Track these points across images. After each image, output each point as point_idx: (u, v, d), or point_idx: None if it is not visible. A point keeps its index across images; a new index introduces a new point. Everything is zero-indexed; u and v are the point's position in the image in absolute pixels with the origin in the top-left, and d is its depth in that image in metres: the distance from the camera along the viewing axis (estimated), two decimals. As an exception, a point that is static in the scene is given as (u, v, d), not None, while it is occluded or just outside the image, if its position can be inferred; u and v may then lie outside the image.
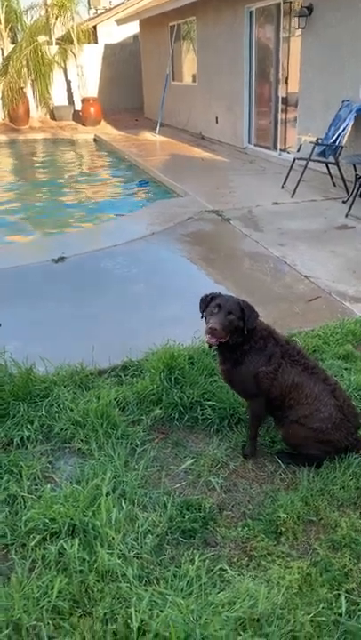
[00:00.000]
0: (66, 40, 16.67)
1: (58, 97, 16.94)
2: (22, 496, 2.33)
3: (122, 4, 18.32)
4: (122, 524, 2.17)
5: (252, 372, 2.51)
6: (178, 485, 2.46)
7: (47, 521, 2.16)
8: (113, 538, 2.09)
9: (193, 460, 2.59)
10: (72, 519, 2.16)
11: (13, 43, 16.45)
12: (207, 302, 2.51)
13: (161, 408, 2.93)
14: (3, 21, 16.10)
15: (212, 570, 2.02)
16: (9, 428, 2.78)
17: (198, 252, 5.57)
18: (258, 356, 2.51)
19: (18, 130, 15.67)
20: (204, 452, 2.66)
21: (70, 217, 7.99)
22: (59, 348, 3.53)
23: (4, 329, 3.67)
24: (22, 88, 15.91)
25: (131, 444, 2.69)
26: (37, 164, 12.54)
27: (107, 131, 14.77)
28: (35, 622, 1.81)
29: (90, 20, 19.26)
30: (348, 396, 2.63)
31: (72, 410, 2.87)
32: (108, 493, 2.27)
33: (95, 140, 14.14)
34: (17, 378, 3.09)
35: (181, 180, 8.70)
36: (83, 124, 15.97)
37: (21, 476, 2.45)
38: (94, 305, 4.42)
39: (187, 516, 2.25)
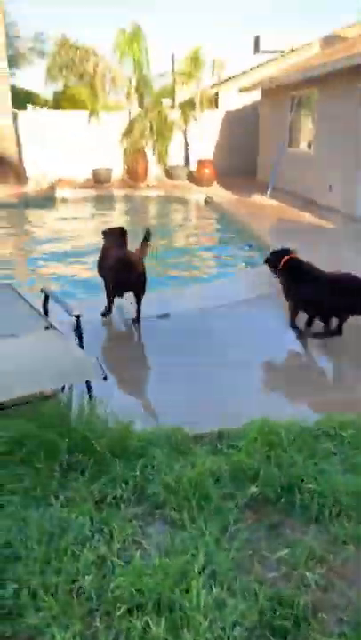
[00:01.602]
0: (188, 104, 17.65)
1: (174, 157, 17.80)
2: (111, 560, 2.30)
3: (244, 73, 19.15)
4: (210, 608, 2.07)
5: None
6: (270, 575, 2.32)
7: (134, 591, 2.11)
8: (200, 623, 2.00)
9: (288, 549, 2.45)
10: (159, 594, 2.09)
11: (140, 106, 17.66)
12: None
13: (257, 486, 2.82)
14: (134, 88, 17.39)
15: None
16: (104, 484, 2.79)
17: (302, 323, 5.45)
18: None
19: (135, 187, 16.57)
20: (301, 542, 2.50)
21: (173, 269, 8.21)
22: (157, 404, 3.56)
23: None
24: (143, 148, 16.92)
25: (223, 520, 2.60)
26: (150, 220, 13.13)
27: (218, 192, 15.22)
28: None
29: (212, 86, 20.28)
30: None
31: (166, 474, 2.84)
32: (199, 572, 2.19)
33: (206, 200, 14.62)
34: (114, 432, 3.14)
35: (288, 245, 8.65)
36: (196, 185, 16.60)
37: (112, 538, 2.43)
38: (195, 364, 4.44)
39: (278, 612, 2.10)
